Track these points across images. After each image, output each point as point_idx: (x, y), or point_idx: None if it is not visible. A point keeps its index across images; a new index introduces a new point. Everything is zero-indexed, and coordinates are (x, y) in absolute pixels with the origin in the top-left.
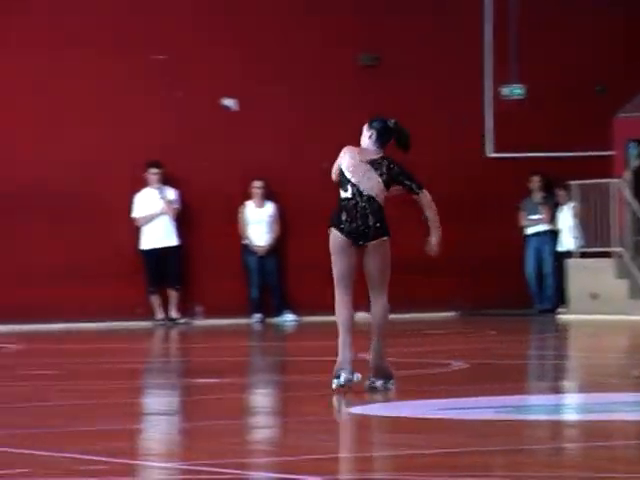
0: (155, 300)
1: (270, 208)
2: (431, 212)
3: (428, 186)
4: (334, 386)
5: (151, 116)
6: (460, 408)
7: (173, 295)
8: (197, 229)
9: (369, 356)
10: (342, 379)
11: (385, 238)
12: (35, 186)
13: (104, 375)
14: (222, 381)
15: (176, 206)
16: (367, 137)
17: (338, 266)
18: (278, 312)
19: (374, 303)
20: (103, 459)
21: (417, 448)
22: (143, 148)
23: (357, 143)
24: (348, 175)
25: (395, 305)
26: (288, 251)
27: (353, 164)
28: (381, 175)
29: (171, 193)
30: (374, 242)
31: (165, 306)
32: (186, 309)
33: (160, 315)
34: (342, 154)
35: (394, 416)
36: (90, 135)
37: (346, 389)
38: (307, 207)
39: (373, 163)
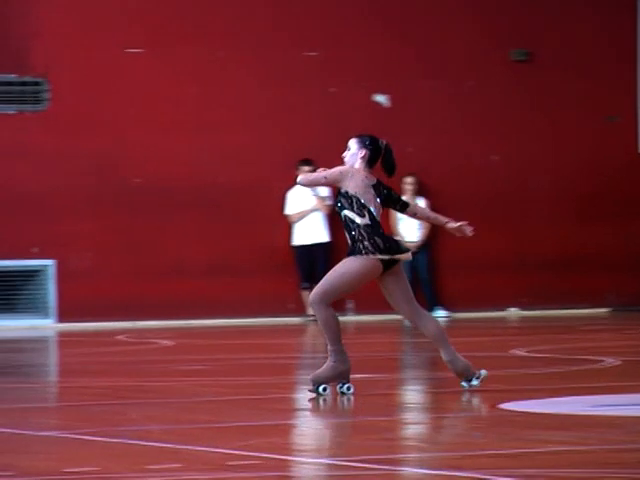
0: (306, 296)
1: (421, 204)
2: (424, 216)
3: (580, 181)
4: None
5: (305, 112)
6: (614, 405)
7: None
8: None
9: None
10: (349, 389)
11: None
12: (189, 181)
13: (257, 371)
14: (373, 377)
15: (329, 202)
16: (359, 156)
17: (354, 287)
18: (430, 308)
19: (423, 322)
20: (255, 454)
21: (572, 444)
22: (296, 144)
23: (511, 141)
24: (364, 201)
25: (549, 301)
26: (439, 247)
27: (364, 189)
28: (381, 201)
29: (324, 190)
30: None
31: None
32: (338, 305)
33: (311, 311)
34: (349, 175)
35: (546, 412)
36: (244, 131)
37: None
38: (459, 203)
39: (375, 187)
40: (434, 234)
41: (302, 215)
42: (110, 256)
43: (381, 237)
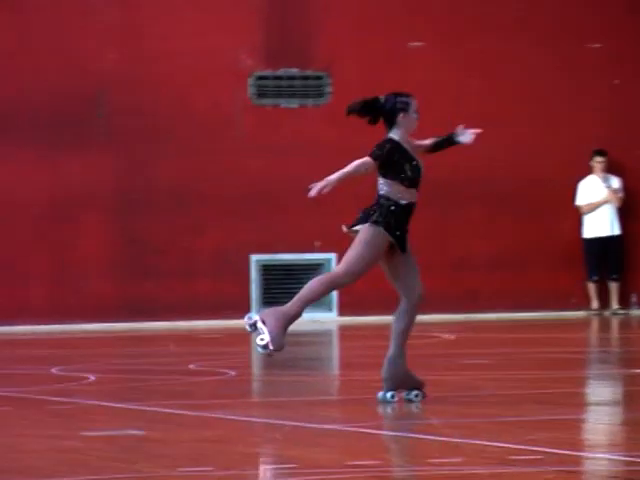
0: (593, 289)
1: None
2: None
3: None
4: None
5: (589, 104)
6: None
7: (613, 286)
8: (638, 218)
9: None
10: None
11: (357, 228)
12: (473, 174)
13: (538, 364)
14: None
15: (620, 195)
16: None
17: None
18: None
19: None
20: (537, 449)
21: None
22: (581, 136)
23: None
24: None
25: None
26: None
27: None
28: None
29: (615, 182)
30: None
31: (601, 296)
32: (623, 299)
33: (595, 305)
34: None
35: None
36: (528, 123)
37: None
38: None
39: None
40: None
41: (593, 207)
42: None
43: None
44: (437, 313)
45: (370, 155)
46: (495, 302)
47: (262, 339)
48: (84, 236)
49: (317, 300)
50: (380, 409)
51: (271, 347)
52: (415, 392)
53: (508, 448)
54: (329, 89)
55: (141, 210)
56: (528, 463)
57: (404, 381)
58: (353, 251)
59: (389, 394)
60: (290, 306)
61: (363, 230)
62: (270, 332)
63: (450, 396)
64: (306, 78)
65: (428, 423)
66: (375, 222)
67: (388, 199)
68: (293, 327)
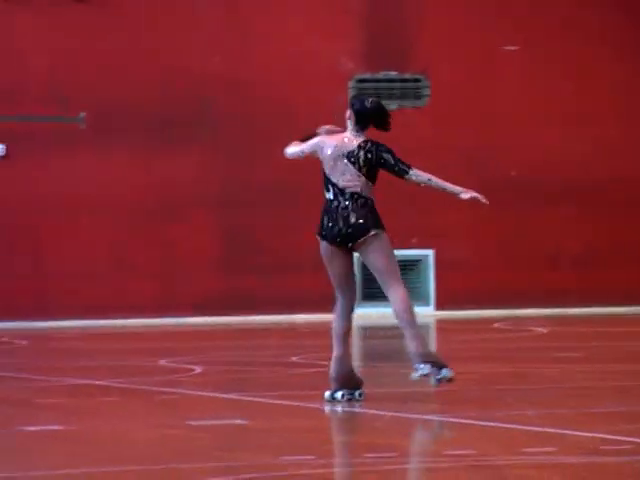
0: None
1: None
2: (432, 184)
3: None
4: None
5: None
6: None
7: None
8: None
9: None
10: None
11: (373, 233)
12: (562, 174)
13: (629, 357)
14: None
15: None
16: (347, 119)
17: (329, 273)
18: None
19: (389, 295)
20: (629, 439)
21: None
22: None
23: None
24: (328, 173)
25: None
26: None
27: (332, 159)
28: (360, 168)
29: None
30: (360, 241)
31: None
32: None
33: None
34: (323, 145)
35: None
36: (616, 124)
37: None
38: None
39: (350, 156)
40: None
41: None
42: (485, 246)
43: (330, 216)
44: (530, 307)
45: (410, 165)
46: (587, 297)
47: (443, 372)
48: (192, 233)
49: (416, 322)
50: (475, 401)
51: (449, 372)
52: (359, 391)
53: (600, 438)
54: (427, 91)
55: (246, 208)
56: (620, 453)
57: (350, 380)
58: (391, 265)
59: (339, 394)
60: (413, 339)
61: (378, 239)
62: (436, 363)
63: (543, 388)
64: (405, 80)
65: (522, 414)
66: (382, 227)
67: (373, 202)
68: (392, 320)
